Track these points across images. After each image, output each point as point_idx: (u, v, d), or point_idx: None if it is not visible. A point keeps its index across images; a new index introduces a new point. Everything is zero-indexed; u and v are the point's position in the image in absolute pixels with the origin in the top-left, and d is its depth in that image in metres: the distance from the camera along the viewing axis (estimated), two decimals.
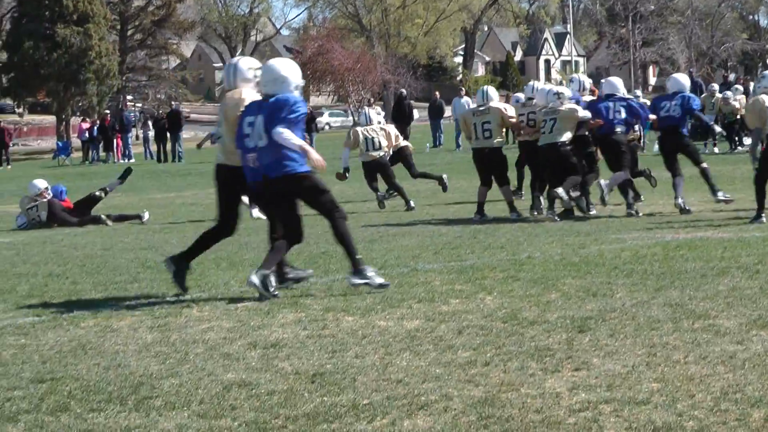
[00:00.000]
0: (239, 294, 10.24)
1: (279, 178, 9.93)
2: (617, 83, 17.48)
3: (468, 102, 40.21)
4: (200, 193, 25.74)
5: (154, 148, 51.09)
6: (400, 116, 42.39)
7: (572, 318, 8.31)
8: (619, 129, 16.54)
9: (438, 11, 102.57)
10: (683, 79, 17.65)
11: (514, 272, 10.80)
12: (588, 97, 17.98)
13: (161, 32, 78.57)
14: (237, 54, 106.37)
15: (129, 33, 77.93)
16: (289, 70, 10.17)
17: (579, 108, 16.67)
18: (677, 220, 15.22)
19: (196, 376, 6.97)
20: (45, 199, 19.27)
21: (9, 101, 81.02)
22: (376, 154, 19.89)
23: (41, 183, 19.85)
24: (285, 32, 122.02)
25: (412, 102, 47.50)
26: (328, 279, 10.98)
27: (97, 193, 19.90)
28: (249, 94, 10.36)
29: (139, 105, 78.91)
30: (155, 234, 16.96)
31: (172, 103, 60.77)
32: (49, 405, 6.40)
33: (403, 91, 48.99)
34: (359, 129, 20.34)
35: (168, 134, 48.05)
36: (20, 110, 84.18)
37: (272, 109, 9.89)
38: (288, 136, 9.75)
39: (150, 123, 56.90)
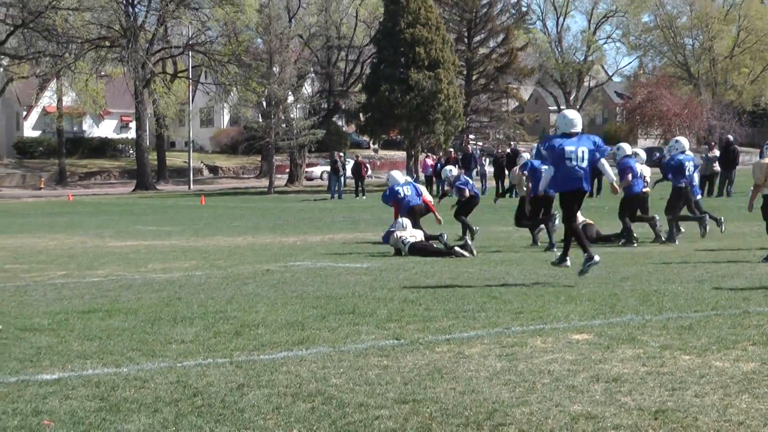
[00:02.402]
0: (578, 327, 10.11)
1: None
2: None
3: None
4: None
5: (491, 183, 51.54)
6: (726, 161, 41.05)
7: None
8: None
9: (765, 61, 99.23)
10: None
11: None
12: None
13: (503, 77, 79.23)
14: (571, 98, 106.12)
15: (474, 78, 79.01)
16: None
17: None
18: None
19: (544, 405, 6.90)
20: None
21: (365, 138, 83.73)
22: None
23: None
24: (616, 79, 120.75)
25: (737, 147, 45.84)
26: (663, 317, 10.66)
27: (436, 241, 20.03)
28: None
29: (480, 143, 79.81)
30: (497, 266, 17.02)
31: (511, 142, 61.11)
32: (413, 426, 6.47)
33: (730, 137, 47.36)
34: None
35: (506, 171, 48.30)
36: (375, 146, 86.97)
37: None
38: None
39: (488, 160, 57.54)
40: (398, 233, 19.97)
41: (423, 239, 19.86)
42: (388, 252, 19.96)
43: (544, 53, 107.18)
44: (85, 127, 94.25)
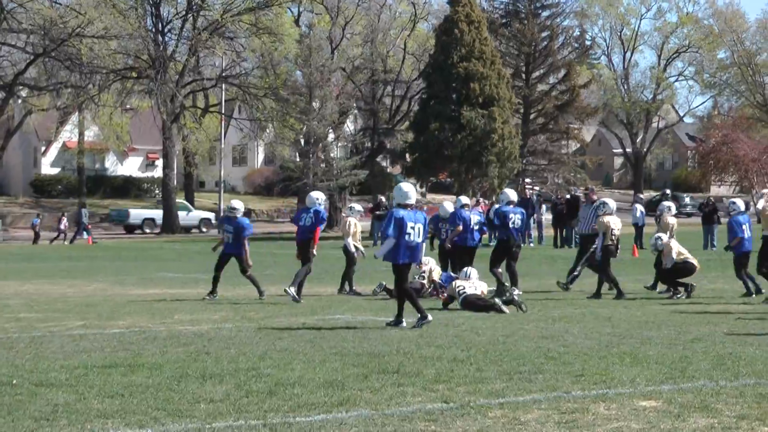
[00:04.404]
0: (645, 393, 10.05)
1: None
2: None
3: None
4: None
5: (548, 232, 51.40)
6: None
7: None
8: None
9: None
10: None
11: None
12: None
13: (563, 117, 79.24)
14: (637, 140, 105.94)
15: (532, 117, 79.11)
16: None
17: None
18: None
19: None
20: None
21: (412, 180, 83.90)
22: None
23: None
24: (688, 120, 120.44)
25: None
26: (739, 383, 10.58)
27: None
28: None
29: (537, 188, 79.74)
30: (555, 323, 16.97)
31: (571, 188, 61.00)
32: None
33: None
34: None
35: (566, 219, 48.13)
36: (422, 189, 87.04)
37: None
38: None
39: (545, 207, 57.34)
40: (460, 282, 20.09)
41: (483, 292, 19.90)
42: (435, 305, 19.96)
43: (609, 91, 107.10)
44: (107, 164, 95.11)
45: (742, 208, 23.07)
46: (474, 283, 20.16)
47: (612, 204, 22.96)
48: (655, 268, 23.20)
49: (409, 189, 16.75)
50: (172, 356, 12.93)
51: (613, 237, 22.37)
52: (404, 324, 16.31)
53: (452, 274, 22.19)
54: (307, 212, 22.35)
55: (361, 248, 24.58)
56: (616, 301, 21.24)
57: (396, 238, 16.27)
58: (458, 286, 19.91)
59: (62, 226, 65.22)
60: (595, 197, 25.45)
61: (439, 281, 22.16)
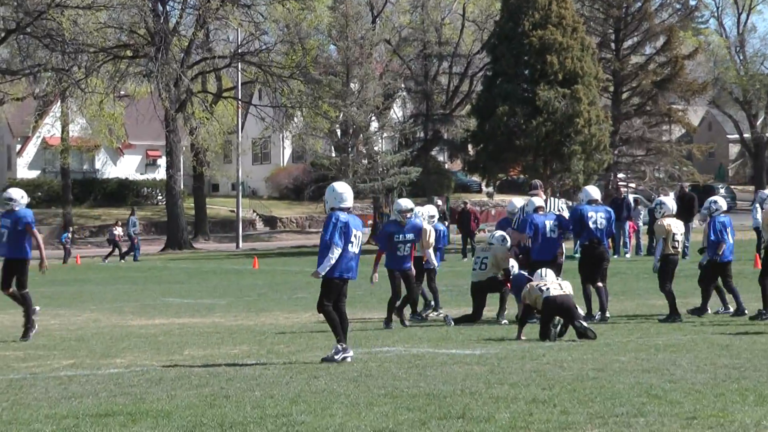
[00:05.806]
0: None
1: None
2: None
3: None
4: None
5: (644, 240, 50.98)
6: None
7: None
8: None
9: None
10: None
11: None
12: None
13: (664, 96, 78.57)
14: (758, 123, 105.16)
15: (624, 97, 78.55)
16: None
17: None
18: None
19: None
20: None
21: (476, 178, 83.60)
22: None
23: None
24: None
25: None
26: None
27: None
28: None
29: (633, 185, 79.29)
30: (658, 353, 16.88)
31: (682, 185, 60.59)
32: None
33: None
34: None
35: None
36: (489, 189, 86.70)
37: None
38: None
39: (644, 210, 56.87)
40: (535, 283, 19.91)
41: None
42: (508, 335, 19.92)
43: (721, 62, 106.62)
44: (98, 165, 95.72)
45: None
46: (557, 281, 19.85)
47: (671, 204, 22.86)
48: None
49: (345, 190, 17.03)
50: (182, 401, 12.98)
51: (676, 243, 22.29)
52: (345, 353, 16.54)
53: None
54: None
55: (434, 261, 24.44)
56: (736, 327, 21.10)
57: (342, 248, 16.57)
58: (538, 286, 19.68)
59: (116, 238, 63.30)
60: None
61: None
